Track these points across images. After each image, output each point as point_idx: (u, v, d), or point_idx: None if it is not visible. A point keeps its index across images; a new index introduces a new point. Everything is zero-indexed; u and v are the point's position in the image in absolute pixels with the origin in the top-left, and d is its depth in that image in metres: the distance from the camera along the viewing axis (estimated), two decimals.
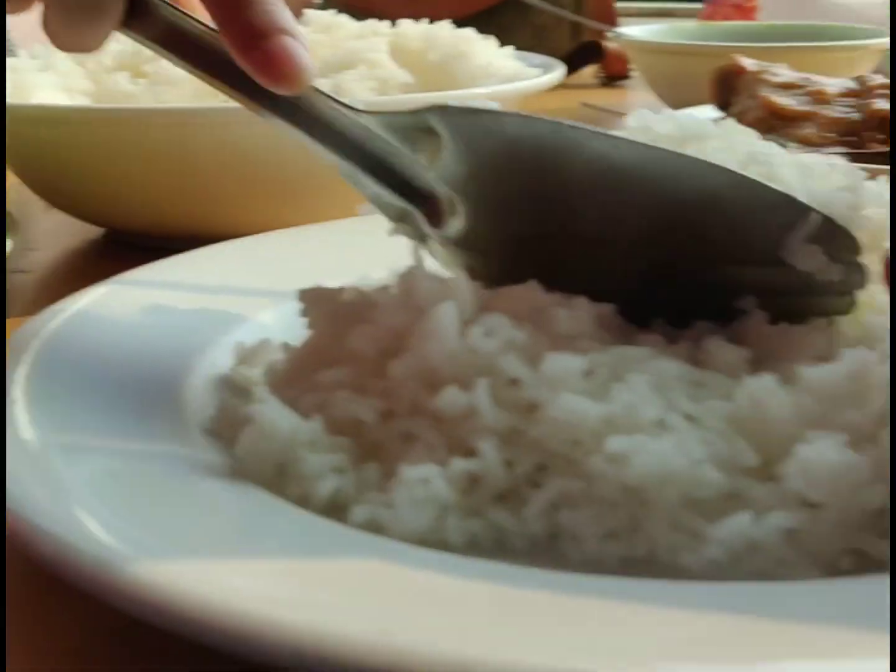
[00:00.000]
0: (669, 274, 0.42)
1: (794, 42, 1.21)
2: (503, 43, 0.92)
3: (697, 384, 0.38)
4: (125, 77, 0.83)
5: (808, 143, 0.77)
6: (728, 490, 0.35)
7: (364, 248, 0.48)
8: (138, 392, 0.44)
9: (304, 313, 0.45)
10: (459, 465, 0.36)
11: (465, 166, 0.42)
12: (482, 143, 0.42)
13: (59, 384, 0.43)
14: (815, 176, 0.44)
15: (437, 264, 0.46)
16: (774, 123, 0.82)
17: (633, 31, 1.33)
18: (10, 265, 0.65)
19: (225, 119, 0.70)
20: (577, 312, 0.39)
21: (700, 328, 0.41)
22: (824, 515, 0.34)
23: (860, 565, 0.34)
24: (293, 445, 0.38)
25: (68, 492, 0.35)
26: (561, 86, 0.87)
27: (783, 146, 0.46)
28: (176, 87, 0.81)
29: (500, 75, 0.85)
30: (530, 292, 0.40)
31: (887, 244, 0.41)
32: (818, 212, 0.40)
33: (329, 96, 0.44)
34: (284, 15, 0.44)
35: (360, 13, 0.98)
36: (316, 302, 0.45)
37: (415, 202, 0.44)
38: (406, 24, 0.90)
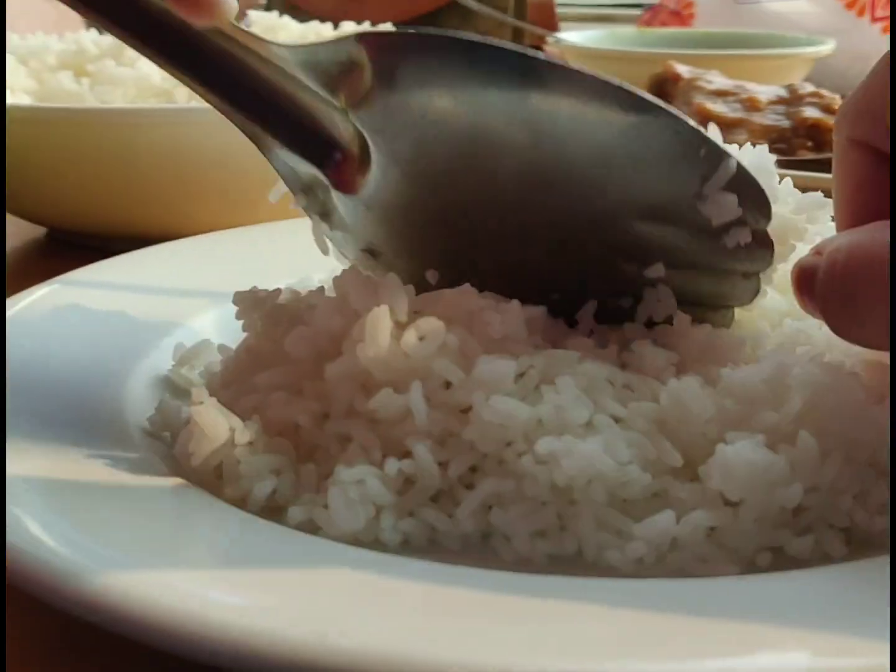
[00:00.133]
0: (574, 239, 0.41)
1: (728, 49, 1.22)
2: None
3: (625, 387, 0.39)
4: (68, 76, 0.83)
5: None
6: (653, 490, 0.36)
7: (306, 250, 0.48)
8: (78, 392, 0.44)
9: (240, 316, 0.45)
10: (394, 466, 0.37)
11: (383, 102, 0.38)
12: (405, 75, 0.38)
13: None
14: None
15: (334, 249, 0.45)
16: None
17: (573, 36, 1.34)
18: None
19: (168, 119, 0.70)
20: (508, 316, 0.39)
21: (629, 330, 0.42)
22: (743, 514, 0.35)
23: (777, 562, 0.35)
24: (231, 447, 0.38)
25: (6, 492, 0.35)
26: None
27: None
28: (119, 87, 0.81)
29: None
30: (463, 296, 0.40)
31: (797, 244, 0.42)
32: (734, 158, 0.38)
33: (244, 31, 0.40)
34: None
35: (303, 15, 0.98)
36: (251, 305, 0.45)
37: (322, 161, 0.42)
38: (348, 27, 0.91)
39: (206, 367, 0.47)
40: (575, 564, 0.36)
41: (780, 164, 0.43)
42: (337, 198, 0.43)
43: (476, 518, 0.37)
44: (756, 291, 0.42)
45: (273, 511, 0.37)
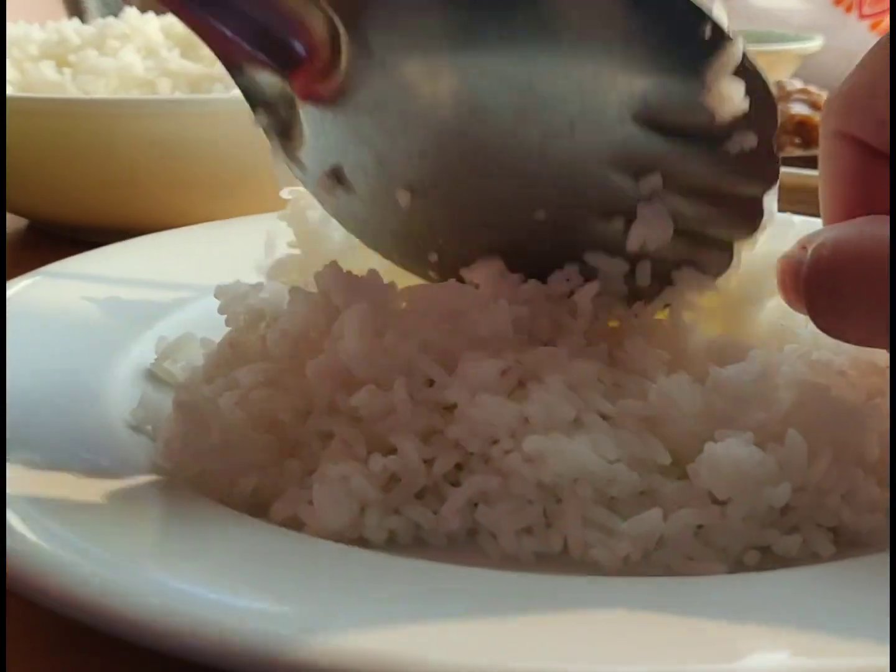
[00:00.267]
0: (561, 145, 0.37)
1: None
2: None
3: (614, 384, 0.38)
4: (50, 66, 0.83)
5: None
6: (641, 488, 0.36)
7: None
8: (60, 386, 0.43)
9: (223, 310, 0.45)
10: (379, 462, 0.37)
11: None
12: None
13: None
14: None
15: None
16: None
17: None
18: None
19: (150, 110, 0.70)
20: (495, 315, 0.39)
21: (625, 313, 0.41)
22: (731, 512, 0.35)
23: (764, 561, 0.35)
24: (214, 441, 0.38)
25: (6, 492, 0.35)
26: None
27: None
28: (102, 78, 0.81)
29: None
30: (449, 293, 0.40)
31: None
32: (741, 40, 0.34)
33: None
34: None
35: None
36: (234, 298, 0.45)
37: (287, 61, 0.39)
38: None
39: (188, 361, 0.47)
40: (561, 562, 0.36)
41: None
42: (302, 110, 0.40)
43: (462, 515, 0.36)
44: (757, 225, 0.39)
45: (257, 507, 0.37)
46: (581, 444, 0.36)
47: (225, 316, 0.45)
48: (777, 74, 1.05)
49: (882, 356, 0.39)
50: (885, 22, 1.44)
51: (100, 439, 0.40)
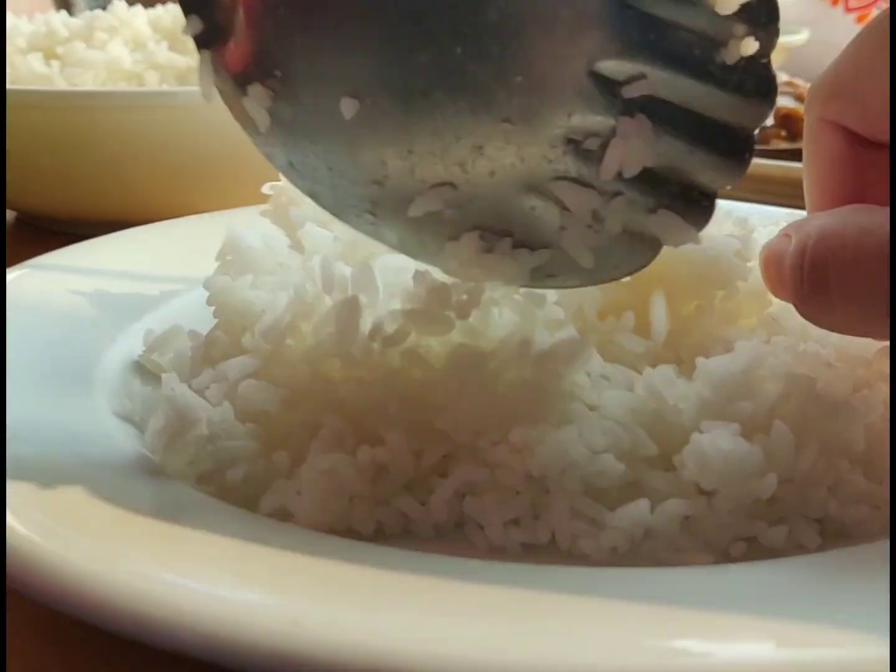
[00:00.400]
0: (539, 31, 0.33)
1: None
2: None
3: (601, 376, 0.39)
4: (38, 59, 0.82)
5: None
6: (628, 479, 0.36)
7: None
8: (48, 378, 0.43)
9: (211, 301, 0.45)
10: (367, 454, 0.37)
11: None
12: None
13: None
14: None
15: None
16: None
17: None
18: None
19: (137, 103, 0.70)
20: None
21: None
22: (717, 503, 0.35)
23: (751, 552, 0.35)
24: (202, 433, 0.38)
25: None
26: None
27: None
28: (89, 70, 0.80)
29: None
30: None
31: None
32: None
33: None
34: None
35: None
36: (221, 291, 0.45)
37: None
38: None
39: (176, 354, 0.46)
40: (548, 553, 0.36)
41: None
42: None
43: (450, 506, 0.37)
44: (743, 167, 0.35)
45: (246, 500, 0.37)
46: (568, 435, 0.36)
47: (212, 308, 0.45)
48: None
49: (868, 347, 0.39)
50: (872, 15, 1.44)
51: (88, 431, 0.40)
